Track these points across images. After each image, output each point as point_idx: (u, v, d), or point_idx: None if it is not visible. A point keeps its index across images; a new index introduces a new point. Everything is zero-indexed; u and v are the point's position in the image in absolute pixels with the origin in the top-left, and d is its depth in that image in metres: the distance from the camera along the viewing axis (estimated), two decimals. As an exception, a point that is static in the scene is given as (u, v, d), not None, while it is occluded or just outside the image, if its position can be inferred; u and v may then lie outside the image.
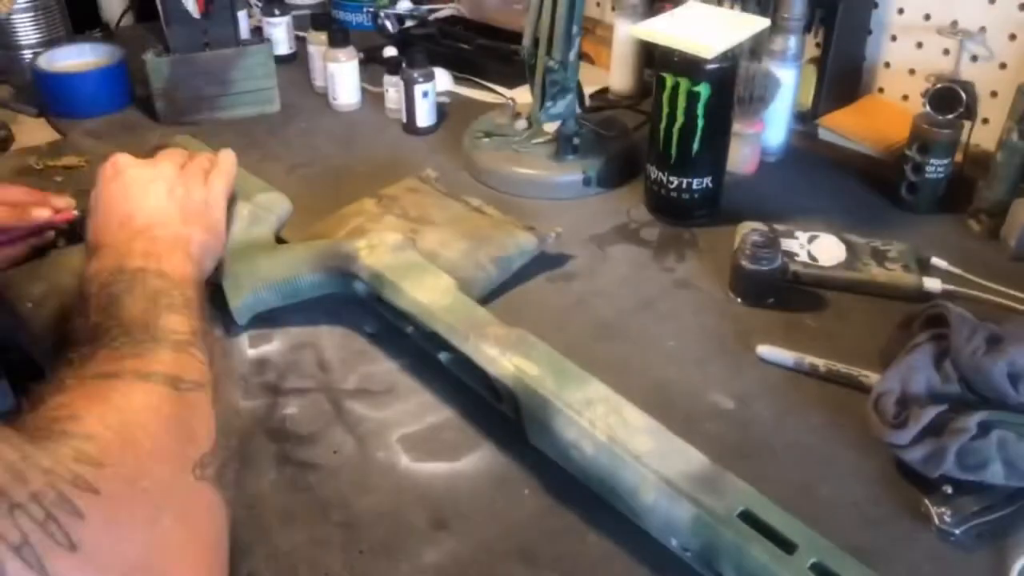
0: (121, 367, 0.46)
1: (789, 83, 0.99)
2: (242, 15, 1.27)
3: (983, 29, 0.95)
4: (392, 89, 1.12)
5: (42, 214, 0.77)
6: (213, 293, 0.75)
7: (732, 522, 0.50)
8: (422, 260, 0.72)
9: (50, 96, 1.13)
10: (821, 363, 0.70)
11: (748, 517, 0.50)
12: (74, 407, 0.41)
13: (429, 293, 0.68)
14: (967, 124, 0.90)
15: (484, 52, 1.28)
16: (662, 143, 0.88)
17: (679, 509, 0.51)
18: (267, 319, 0.75)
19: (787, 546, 0.48)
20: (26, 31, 1.21)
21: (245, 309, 0.73)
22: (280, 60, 1.26)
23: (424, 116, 1.09)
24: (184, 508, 0.41)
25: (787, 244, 0.82)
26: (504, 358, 0.61)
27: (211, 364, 0.51)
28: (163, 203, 0.64)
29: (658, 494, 0.52)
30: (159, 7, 1.07)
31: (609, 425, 0.55)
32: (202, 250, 0.64)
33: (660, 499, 0.52)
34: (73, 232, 0.80)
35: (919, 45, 1.02)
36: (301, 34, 1.30)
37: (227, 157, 0.73)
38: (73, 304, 0.55)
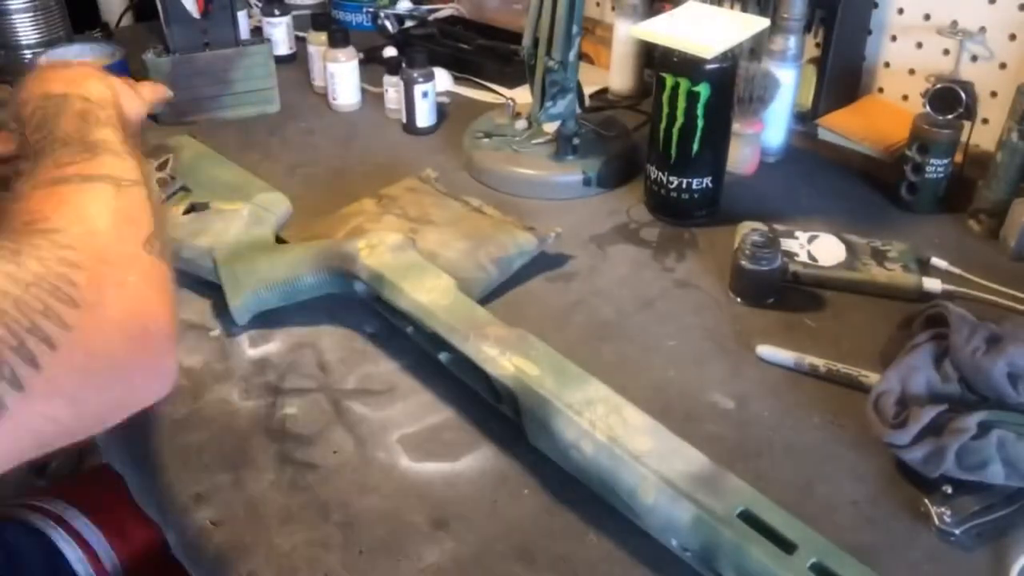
0: (66, 172, 0.53)
1: (789, 83, 0.99)
2: (242, 15, 1.27)
3: (983, 29, 0.95)
4: (392, 89, 1.12)
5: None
6: (213, 293, 0.76)
7: (732, 522, 0.50)
8: (422, 260, 0.72)
9: (50, 96, 1.13)
10: (821, 363, 0.70)
11: (748, 517, 0.50)
12: (39, 213, 0.48)
13: (429, 293, 0.68)
14: (967, 124, 0.90)
15: (484, 52, 1.28)
16: (662, 143, 0.88)
17: (679, 509, 0.51)
18: (267, 319, 0.75)
19: (787, 546, 0.48)
20: (26, 31, 1.21)
21: (245, 309, 0.73)
22: (280, 60, 1.26)
23: (424, 116, 1.09)
24: (145, 272, 0.50)
25: (787, 244, 0.82)
26: (504, 358, 0.61)
27: (140, 164, 0.58)
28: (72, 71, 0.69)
29: (658, 494, 0.52)
30: (159, 7, 1.07)
31: (609, 425, 0.55)
32: (116, 91, 0.69)
33: (660, 499, 0.52)
34: None
35: (919, 45, 1.02)
36: (301, 34, 1.30)
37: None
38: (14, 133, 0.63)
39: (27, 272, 0.43)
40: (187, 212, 0.79)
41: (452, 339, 0.64)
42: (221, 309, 0.75)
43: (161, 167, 0.85)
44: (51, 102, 0.62)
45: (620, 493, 0.54)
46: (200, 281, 0.78)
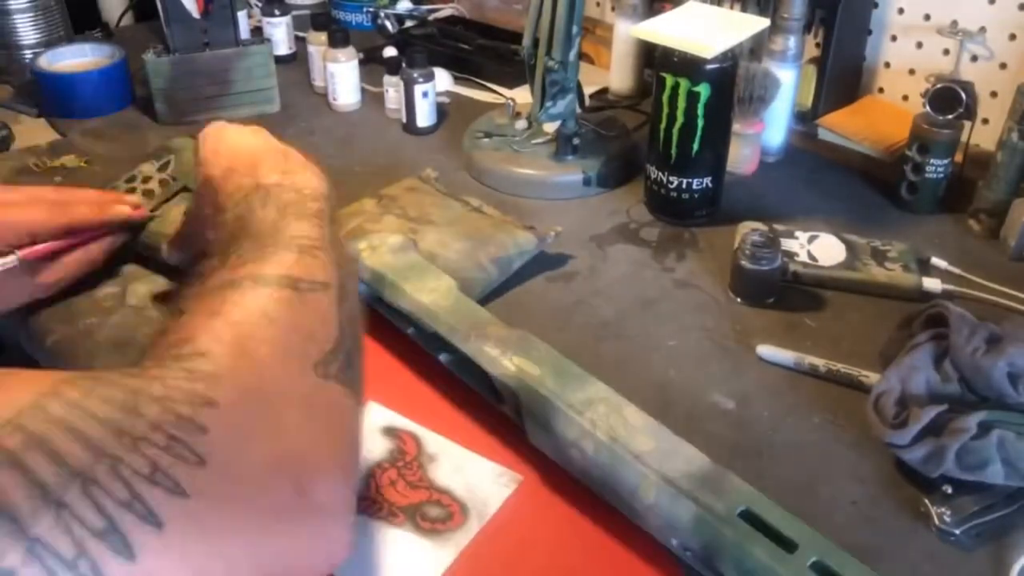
0: (239, 274, 0.45)
1: (789, 83, 0.99)
2: (242, 15, 1.27)
3: (983, 29, 0.95)
4: (392, 89, 1.12)
5: (122, 210, 0.74)
6: None
7: (733, 521, 0.50)
8: (423, 261, 0.72)
9: (50, 96, 1.13)
10: (821, 363, 0.70)
11: (749, 516, 0.50)
12: (188, 329, 0.41)
13: (430, 294, 0.68)
14: (967, 124, 0.90)
15: (484, 52, 1.28)
16: (662, 143, 0.88)
17: (680, 508, 0.51)
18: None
19: (788, 545, 0.48)
20: (26, 31, 1.21)
21: None
22: (280, 60, 1.26)
23: (424, 116, 1.09)
24: (309, 408, 0.41)
25: (787, 244, 0.82)
26: (505, 358, 0.61)
27: (338, 266, 0.49)
28: (277, 150, 0.60)
29: (659, 493, 0.52)
30: (159, 7, 1.07)
31: (610, 425, 0.55)
32: (318, 176, 0.60)
33: (661, 498, 0.52)
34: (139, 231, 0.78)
35: (919, 45, 1.02)
36: (301, 34, 1.30)
37: None
38: (207, 219, 0.55)
39: (140, 419, 0.34)
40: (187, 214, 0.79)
41: (453, 339, 0.64)
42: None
43: (163, 168, 0.85)
44: (258, 193, 0.53)
45: (621, 492, 0.54)
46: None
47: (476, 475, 0.61)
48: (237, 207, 0.52)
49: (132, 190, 0.83)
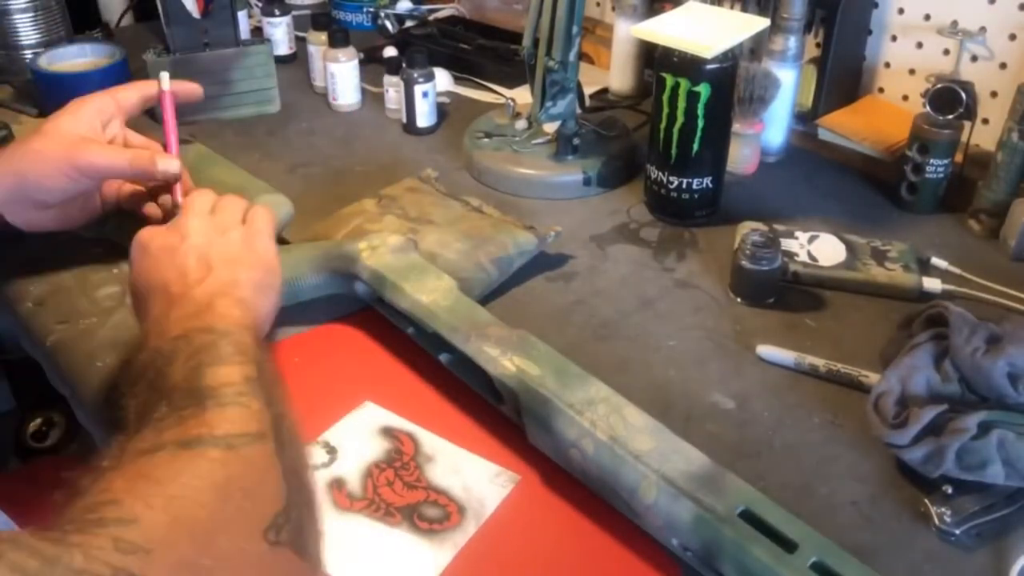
0: (162, 439, 0.41)
1: (789, 83, 0.99)
2: (242, 15, 1.27)
3: (983, 29, 0.95)
4: (392, 89, 1.12)
5: (168, 168, 0.71)
6: None
7: (733, 521, 0.50)
8: (423, 261, 0.72)
9: (50, 96, 1.13)
10: (821, 363, 0.70)
11: (749, 516, 0.50)
12: (111, 491, 0.36)
13: (431, 294, 0.68)
14: (967, 124, 0.90)
15: (484, 52, 1.28)
16: (662, 143, 0.88)
17: (680, 508, 0.51)
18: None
19: (788, 545, 0.48)
20: (26, 31, 1.21)
21: None
22: (280, 60, 1.26)
23: (424, 116, 1.09)
24: None
25: (787, 244, 0.82)
26: (505, 358, 0.61)
27: (271, 406, 0.46)
28: (194, 262, 0.58)
29: (659, 493, 0.52)
30: (159, 7, 1.07)
31: (610, 425, 0.55)
32: (253, 289, 0.58)
33: (660, 498, 0.52)
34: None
35: (919, 45, 1.02)
36: (301, 34, 1.30)
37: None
38: (124, 387, 0.52)
39: None
40: None
41: (454, 340, 0.64)
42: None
43: None
44: (164, 352, 0.49)
45: (621, 492, 0.54)
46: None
47: (473, 475, 0.61)
48: (144, 376, 0.49)
49: None
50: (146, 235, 0.61)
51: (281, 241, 0.80)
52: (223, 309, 0.53)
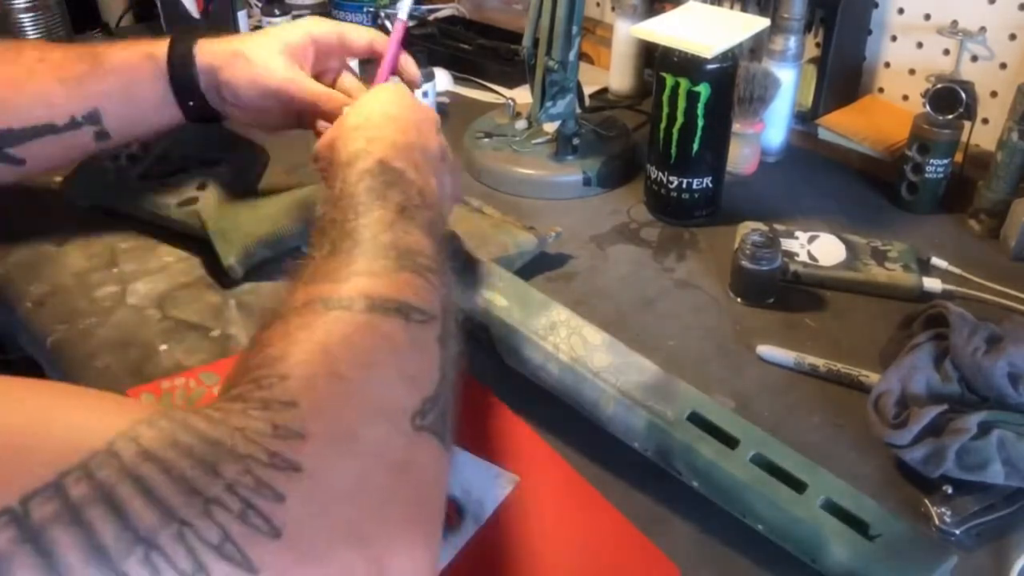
0: (343, 290, 0.41)
1: (789, 83, 0.99)
2: (242, 15, 1.27)
3: (983, 29, 0.95)
4: (392, 89, 1.12)
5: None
6: (204, 251, 0.79)
7: (682, 424, 0.56)
8: None
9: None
10: (821, 363, 0.70)
11: (696, 418, 0.56)
12: (279, 358, 0.37)
13: None
14: (967, 124, 0.90)
15: (484, 52, 1.28)
16: (662, 143, 0.88)
17: (634, 417, 0.57)
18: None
19: (731, 442, 0.54)
20: (26, 31, 1.21)
21: (239, 265, 0.77)
22: (280, 60, 1.26)
23: (424, 116, 1.09)
24: (399, 467, 0.37)
25: (787, 244, 0.82)
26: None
27: (446, 291, 0.46)
28: (430, 130, 0.61)
29: (616, 405, 0.58)
30: (159, 7, 1.07)
31: (571, 346, 0.61)
32: (449, 202, 0.60)
33: (618, 409, 0.58)
34: None
35: (919, 45, 1.02)
36: (301, 34, 1.30)
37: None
38: (330, 175, 0.53)
39: (217, 480, 0.31)
40: (175, 173, 0.84)
41: None
42: (215, 268, 0.78)
43: None
44: (383, 174, 0.50)
45: (584, 406, 0.60)
46: (198, 284, 0.78)
47: (472, 476, 0.61)
48: (349, 182, 0.50)
49: (117, 156, 0.85)
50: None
51: (264, 194, 0.83)
52: (429, 178, 0.54)
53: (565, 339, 0.61)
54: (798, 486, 0.52)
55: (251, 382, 0.37)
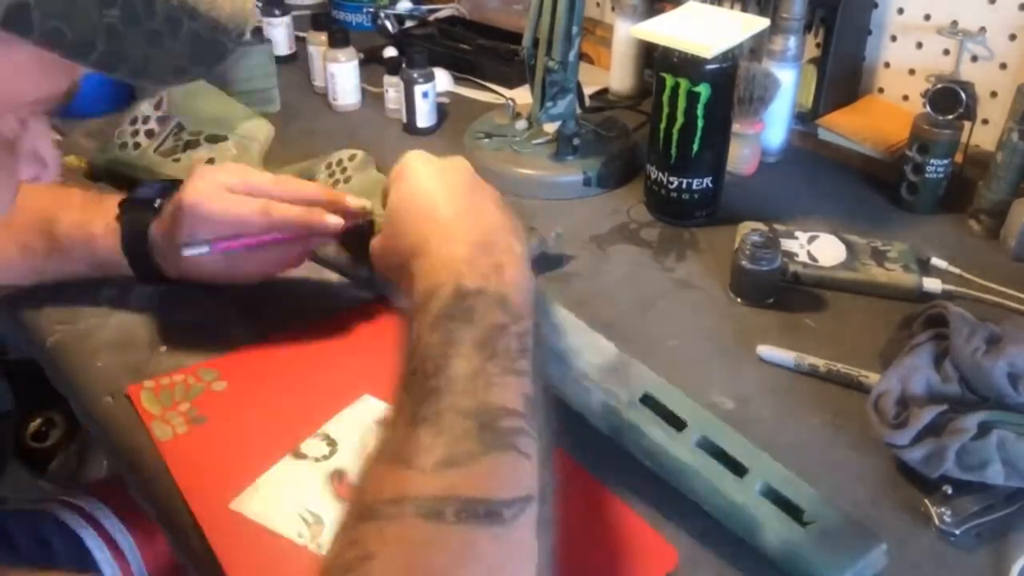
0: (434, 485, 0.39)
1: (789, 83, 0.99)
2: (242, 15, 1.27)
3: (983, 29, 0.95)
4: (392, 89, 1.12)
5: (330, 223, 0.67)
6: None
7: (634, 406, 0.57)
8: (381, 176, 0.78)
9: (50, 96, 1.13)
10: (821, 363, 0.70)
11: (650, 400, 0.58)
12: (366, 550, 0.36)
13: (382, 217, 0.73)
14: (967, 124, 0.90)
15: (484, 52, 1.28)
16: (662, 143, 0.88)
17: (590, 399, 0.58)
18: (265, 319, 0.75)
19: (679, 425, 0.56)
20: (26, 31, 1.21)
21: None
22: (280, 60, 1.26)
23: (424, 116, 1.09)
24: None
25: (787, 244, 0.82)
26: None
27: (542, 454, 0.42)
28: (479, 196, 0.54)
29: (573, 386, 0.59)
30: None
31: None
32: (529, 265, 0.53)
33: (575, 391, 0.59)
34: (356, 237, 0.70)
35: (919, 45, 1.02)
36: (301, 34, 1.30)
37: None
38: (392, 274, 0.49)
39: None
40: (185, 149, 0.88)
41: None
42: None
43: (157, 106, 0.92)
44: (460, 307, 0.45)
45: (551, 388, 0.59)
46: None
47: None
48: (425, 325, 0.45)
49: (136, 132, 0.90)
50: (414, 155, 0.56)
51: (263, 167, 0.86)
52: (519, 275, 0.48)
53: None
54: (739, 470, 0.54)
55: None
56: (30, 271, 0.73)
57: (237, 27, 0.38)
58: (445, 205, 0.53)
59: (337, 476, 0.60)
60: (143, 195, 0.71)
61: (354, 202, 0.69)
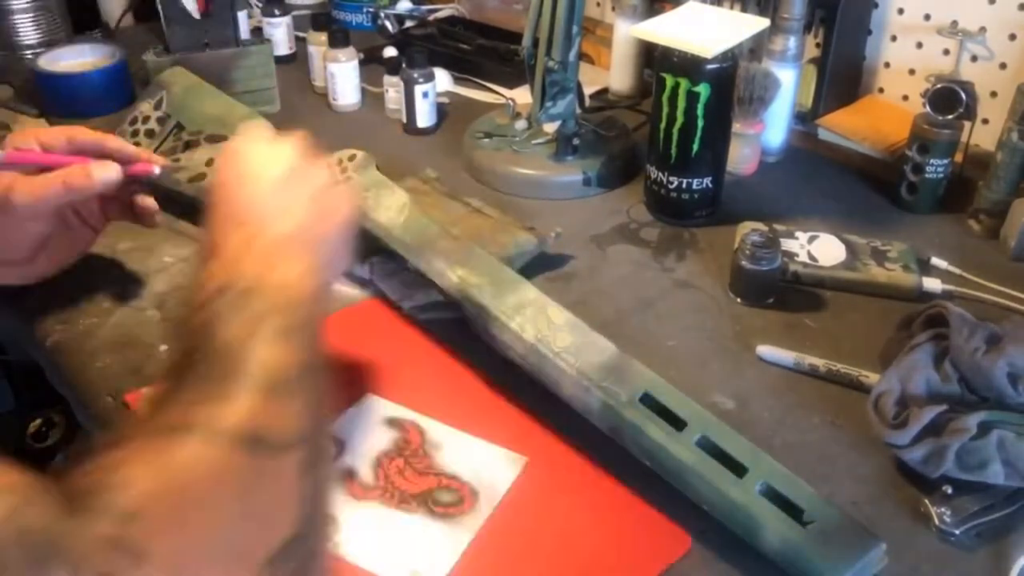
0: (193, 416, 0.37)
1: (789, 83, 0.99)
2: (242, 15, 1.27)
3: (983, 29, 0.95)
4: (392, 89, 1.12)
5: (106, 174, 0.65)
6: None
7: (634, 405, 0.57)
8: (381, 177, 0.79)
9: (50, 96, 1.13)
10: (821, 363, 0.70)
11: (648, 400, 0.58)
12: (122, 477, 0.34)
13: (386, 212, 0.74)
14: (967, 124, 0.90)
15: (484, 52, 1.28)
16: (662, 143, 0.88)
17: (590, 398, 0.58)
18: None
19: (679, 424, 0.56)
20: (26, 31, 1.21)
21: None
22: (280, 60, 1.26)
23: (424, 116, 1.09)
24: None
25: (787, 244, 0.82)
26: (450, 270, 0.68)
27: (313, 411, 0.41)
28: (290, 191, 0.53)
29: (574, 386, 0.59)
30: (159, 7, 1.07)
31: (536, 327, 0.62)
32: (331, 257, 0.53)
33: (575, 390, 0.59)
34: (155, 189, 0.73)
35: (919, 45, 1.02)
36: (301, 34, 1.30)
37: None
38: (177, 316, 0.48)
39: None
40: (184, 149, 0.88)
41: (408, 256, 0.71)
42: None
43: (157, 106, 0.91)
44: (226, 296, 0.44)
45: (548, 385, 0.62)
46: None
47: (481, 459, 0.62)
48: (199, 312, 0.44)
49: (136, 132, 0.91)
50: (242, 140, 0.56)
51: None
52: (297, 271, 0.47)
53: (531, 319, 0.63)
54: (739, 470, 0.54)
55: (90, 485, 0.34)
56: None
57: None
58: (248, 198, 0.52)
59: (348, 474, 0.61)
60: None
61: (155, 158, 0.70)
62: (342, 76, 1.14)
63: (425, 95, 1.08)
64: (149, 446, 0.36)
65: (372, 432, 0.64)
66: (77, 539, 0.31)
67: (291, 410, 0.40)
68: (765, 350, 0.72)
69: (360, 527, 0.57)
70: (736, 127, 0.94)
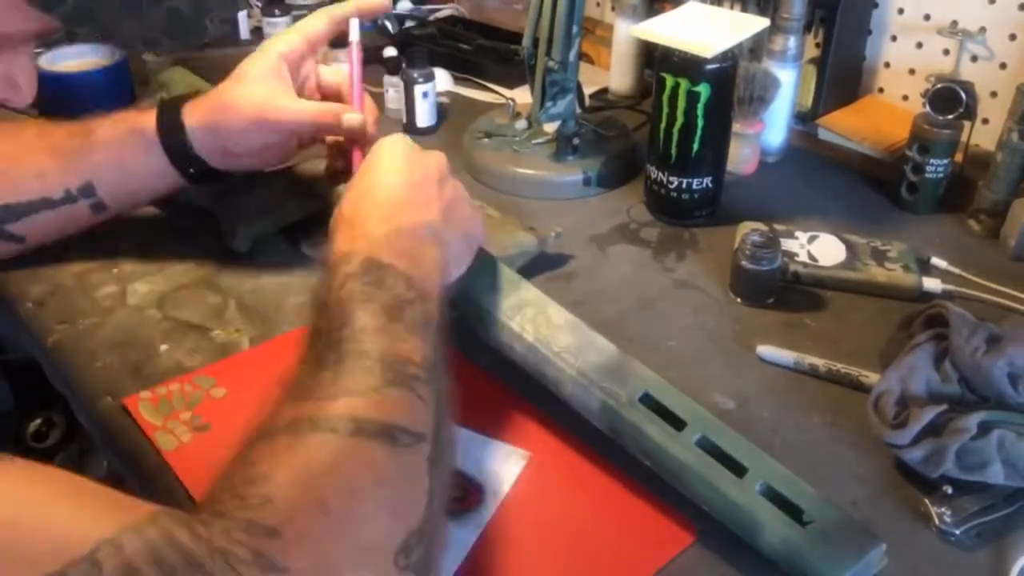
0: (333, 408, 0.39)
1: (789, 83, 0.99)
2: (242, 15, 1.27)
3: (983, 29, 0.95)
4: (392, 89, 1.12)
5: (353, 120, 0.74)
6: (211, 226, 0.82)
7: (633, 405, 0.57)
8: None
9: (51, 96, 1.13)
10: (821, 363, 0.70)
11: (648, 400, 0.57)
12: (265, 479, 0.36)
13: None
14: (967, 124, 0.90)
15: (484, 52, 1.28)
16: (662, 143, 0.88)
17: (589, 398, 0.58)
18: (264, 320, 0.75)
19: (679, 424, 0.56)
20: (26, 31, 1.21)
21: (243, 239, 0.81)
22: (280, 60, 1.26)
23: (424, 116, 1.09)
24: None
25: (787, 244, 0.82)
26: None
27: (438, 403, 0.43)
28: (429, 191, 0.57)
29: (573, 386, 0.59)
30: (159, 7, 1.07)
31: (536, 326, 0.62)
32: (456, 261, 0.58)
33: (575, 390, 0.59)
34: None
35: (919, 45, 1.02)
36: (301, 34, 1.30)
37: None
38: (316, 283, 0.50)
39: None
40: None
41: None
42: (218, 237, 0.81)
43: None
44: (368, 275, 0.47)
45: (548, 386, 0.61)
46: (198, 284, 0.78)
47: (485, 456, 0.62)
48: (339, 291, 0.46)
49: None
50: (391, 138, 0.60)
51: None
52: (429, 266, 0.51)
53: (531, 319, 0.62)
54: (739, 470, 0.54)
55: (236, 498, 0.35)
56: (65, 175, 0.71)
57: (222, 12, 0.39)
58: (390, 188, 0.56)
59: None
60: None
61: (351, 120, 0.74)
62: (342, 76, 1.14)
63: (425, 95, 1.08)
64: (291, 442, 0.37)
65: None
66: (220, 564, 0.32)
67: (421, 406, 0.42)
68: (765, 350, 0.72)
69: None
70: (736, 127, 0.94)
